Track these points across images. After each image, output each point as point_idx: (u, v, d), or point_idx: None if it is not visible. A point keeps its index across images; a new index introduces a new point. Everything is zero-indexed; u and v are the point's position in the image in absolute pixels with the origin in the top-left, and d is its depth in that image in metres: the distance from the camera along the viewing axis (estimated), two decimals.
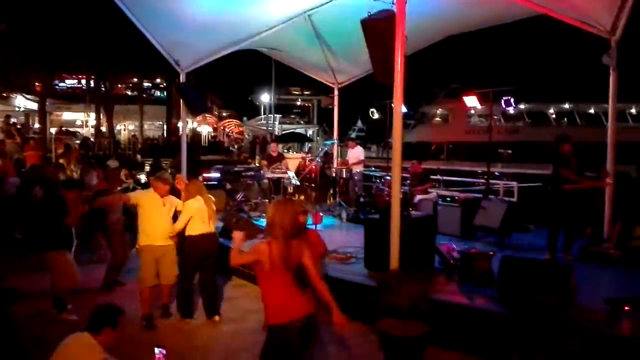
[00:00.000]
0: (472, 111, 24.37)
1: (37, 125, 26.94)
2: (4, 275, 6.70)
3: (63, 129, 24.27)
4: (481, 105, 10.20)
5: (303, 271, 3.42)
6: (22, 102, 26.39)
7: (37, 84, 27.21)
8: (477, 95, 9.49)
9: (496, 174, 10.65)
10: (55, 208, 5.73)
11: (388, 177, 9.71)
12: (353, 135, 25.09)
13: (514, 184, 10.24)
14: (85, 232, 7.29)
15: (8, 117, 19.37)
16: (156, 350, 2.23)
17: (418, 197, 9.04)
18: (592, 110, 26.77)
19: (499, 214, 7.64)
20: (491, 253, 5.87)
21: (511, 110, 19.14)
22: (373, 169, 11.73)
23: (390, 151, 13.75)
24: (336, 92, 11.70)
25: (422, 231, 6.24)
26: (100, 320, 3.06)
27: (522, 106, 25.11)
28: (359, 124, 30.01)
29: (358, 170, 10.87)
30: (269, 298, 3.38)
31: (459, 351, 4.92)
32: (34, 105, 26.77)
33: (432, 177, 10.30)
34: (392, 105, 5.52)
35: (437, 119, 28.92)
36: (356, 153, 11.19)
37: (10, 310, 5.35)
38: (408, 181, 9.41)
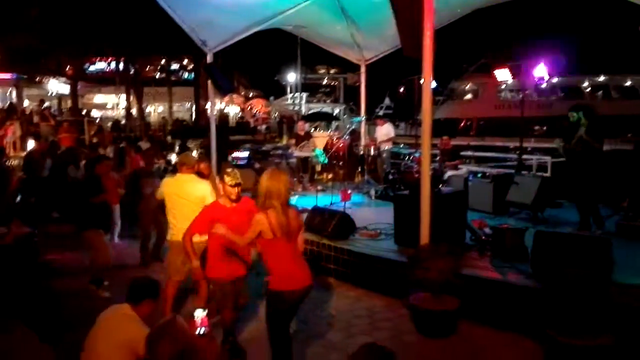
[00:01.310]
0: (503, 86, 23.74)
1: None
2: (43, 252, 6.97)
3: (83, 112, 24.79)
4: (513, 78, 9.93)
5: None
6: (55, 85, 26.95)
7: (68, 67, 27.73)
8: (509, 67, 9.23)
9: (529, 148, 10.40)
10: (92, 188, 5.88)
11: (417, 154, 9.60)
12: (380, 112, 24.82)
13: (548, 158, 9.99)
14: (129, 209, 7.45)
15: (42, 100, 19.85)
16: (196, 312, 2.26)
17: (448, 173, 8.93)
18: (628, 83, 25.75)
19: (532, 189, 7.48)
20: (524, 228, 5.78)
21: (544, 83, 18.59)
22: (402, 145, 11.62)
23: (418, 128, 13.59)
24: (363, 69, 11.54)
25: (453, 207, 6.18)
26: (140, 292, 3.16)
27: (554, 79, 24.34)
28: (387, 101, 29.67)
29: (386, 148, 10.78)
30: (275, 266, 3.55)
31: (491, 326, 4.90)
32: (66, 89, 27.34)
33: (462, 153, 10.15)
34: (421, 81, 5.43)
35: (467, 94, 28.32)
36: (385, 130, 11.08)
37: (50, 282, 5.59)
38: (438, 157, 9.29)
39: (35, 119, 17.49)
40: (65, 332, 4.52)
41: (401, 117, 26.79)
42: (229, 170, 4.22)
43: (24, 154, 12.95)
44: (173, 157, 16.67)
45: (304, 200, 8.80)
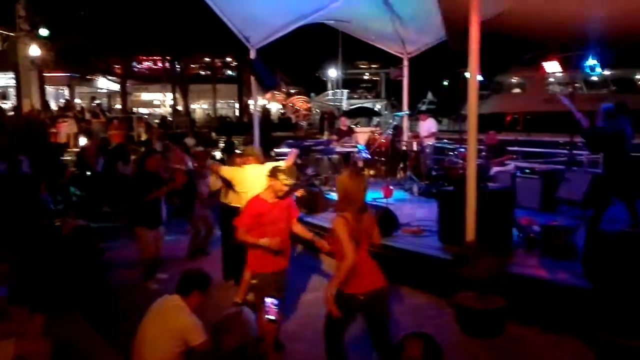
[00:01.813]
0: (551, 79, 22.92)
1: (118, 106, 28.57)
2: (97, 245, 7.26)
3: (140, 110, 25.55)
4: (562, 71, 9.57)
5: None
6: (105, 83, 27.99)
7: (117, 66, 28.73)
8: (559, 59, 8.90)
9: (579, 144, 10.00)
10: (141, 184, 6.06)
11: (462, 150, 9.42)
12: (423, 108, 24.50)
13: (600, 154, 9.59)
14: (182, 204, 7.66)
15: (93, 98, 20.64)
16: (267, 300, 2.33)
17: (494, 169, 8.72)
18: None
19: (583, 185, 7.21)
20: (574, 226, 5.59)
21: (595, 76, 17.84)
22: (445, 141, 11.42)
23: (462, 123, 13.32)
24: (405, 63, 11.42)
25: (499, 204, 6.04)
26: (190, 284, 3.26)
27: (606, 72, 23.30)
28: (429, 96, 29.22)
29: (430, 143, 10.63)
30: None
31: (539, 327, 4.76)
32: (116, 87, 28.35)
33: (509, 148, 9.89)
34: (466, 74, 5.32)
35: (514, 88, 27.52)
36: (428, 126, 10.92)
37: (103, 274, 5.82)
38: (483, 153, 9.09)
39: (87, 116, 18.18)
40: (119, 322, 4.72)
41: (444, 112, 26.32)
42: (285, 168, 4.24)
43: (77, 150, 13.51)
44: (217, 154, 17.06)
45: None
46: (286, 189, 4.08)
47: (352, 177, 3.47)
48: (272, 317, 2.27)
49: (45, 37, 16.30)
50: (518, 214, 6.52)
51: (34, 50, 15.99)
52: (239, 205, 5.88)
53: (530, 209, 7.51)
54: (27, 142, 10.65)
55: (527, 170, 8.44)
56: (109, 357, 3.99)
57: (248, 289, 4.62)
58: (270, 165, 5.07)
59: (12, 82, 19.05)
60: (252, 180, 5.23)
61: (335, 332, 3.52)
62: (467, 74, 5.29)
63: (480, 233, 5.18)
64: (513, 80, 27.42)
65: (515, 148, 11.33)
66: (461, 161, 8.97)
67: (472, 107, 5.22)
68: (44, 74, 18.33)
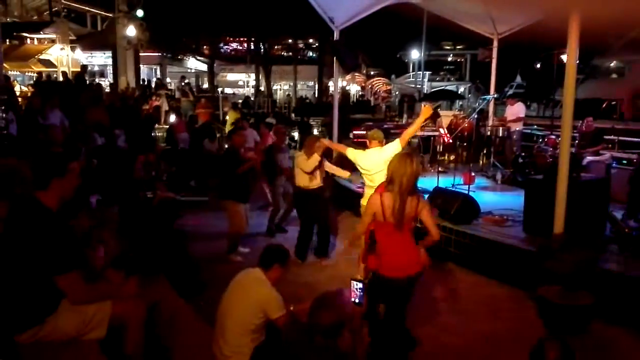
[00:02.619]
0: None
1: (206, 85, 29.75)
2: (183, 217, 7.68)
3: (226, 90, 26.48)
4: None
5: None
6: (194, 63, 29.19)
7: (205, 47, 29.86)
8: None
9: None
10: (229, 160, 6.29)
11: (552, 137, 8.90)
12: (510, 92, 23.32)
13: None
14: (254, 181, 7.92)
15: (183, 77, 21.54)
16: (353, 283, 2.38)
17: (588, 158, 8.18)
18: None
19: None
20: None
21: None
22: (535, 127, 10.82)
23: (554, 109, 12.55)
24: (495, 44, 10.91)
25: (592, 195, 5.68)
26: (271, 258, 3.37)
27: None
28: (518, 79, 27.74)
29: (517, 129, 10.14)
30: (381, 248, 3.52)
31: (629, 327, 4.46)
32: (203, 67, 29.50)
33: (605, 137, 9.22)
34: (562, 56, 4.99)
35: (612, 73, 25.51)
36: (515, 110, 10.41)
37: (188, 244, 6.15)
38: (576, 141, 8.54)
39: (177, 94, 19.08)
40: (203, 291, 4.98)
41: (534, 96, 24.90)
42: None
43: (167, 127, 14.25)
44: (295, 135, 17.34)
45: (424, 181, 8.63)
46: None
47: (400, 159, 3.49)
48: (358, 301, 2.32)
49: (141, 18, 17.21)
50: (613, 207, 6.09)
51: (131, 31, 16.94)
52: (314, 187, 6.02)
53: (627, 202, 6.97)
54: (122, 117, 11.37)
55: (624, 161, 7.83)
56: (193, 321, 4.25)
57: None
58: (391, 147, 5.24)
59: (110, 61, 20.36)
60: (373, 163, 5.28)
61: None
62: (564, 56, 4.97)
63: (570, 225, 4.90)
64: (611, 64, 25.43)
65: (612, 137, 10.54)
66: (551, 149, 8.49)
67: (569, 92, 4.91)
68: (139, 54, 19.41)
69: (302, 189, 6.22)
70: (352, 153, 5.61)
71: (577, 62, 5.11)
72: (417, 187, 3.54)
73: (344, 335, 2.39)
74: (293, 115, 23.37)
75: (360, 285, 2.39)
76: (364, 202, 5.16)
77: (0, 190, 3.60)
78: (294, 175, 6.39)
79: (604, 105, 23.93)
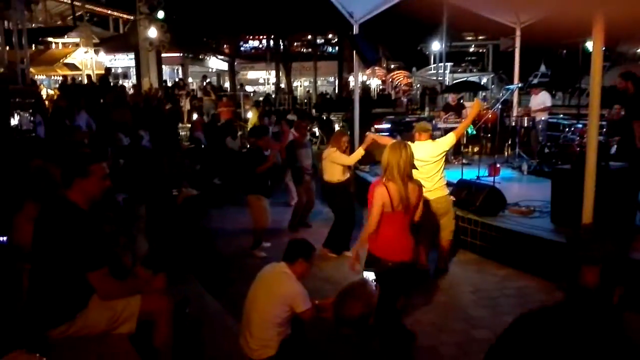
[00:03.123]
0: None
1: (227, 84, 29.98)
2: (208, 214, 7.77)
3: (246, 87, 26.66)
4: None
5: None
6: (215, 63, 29.43)
7: (226, 46, 30.08)
8: None
9: None
10: (253, 157, 6.34)
11: (579, 126, 8.72)
12: (535, 81, 22.89)
13: None
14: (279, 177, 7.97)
15: (204, 76, 21.75)
16: (365, 274, 2.37)
17: (617, 147, 7.98)
18: None
19: None
20: None
21: None
22: (561, 116, 10.61)
23: (580, 98, 12.28)
24: (518, 33, 10.71)
25: (621, 184, 5.53)
26: (295, 252, 3.39)
27: None
28: (542, 68, 27.22)
29: (542, 119, 9.94)
30: (382, 232, 3.55)
31: None
32: (224, 66, 29.72)
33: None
34: (587, 44, 4.88)
35: (638, 59, 24.83)
36: (540, 99, 10.20)
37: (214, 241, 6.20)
38: (605, 129, 8.33)
39: (199, 93, 19.28)
40: (229, 286, 5.04)
41: (559, 85, 24.40)
42: None
43: (189, 125, 14.41)
44: (316, 130, 17.34)
45: (448, 174, 8.53)
46: None
47: (392, 147, 3.57)
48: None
49: (162, 20, 17.41)
50: None
51: (152, 32, 17.15)
52: (344, 180, 6.11)
53: None
54: (146, 118, 11.53)
55: None
56: (220, 316, 4.30)
57: None
58: (446, 139, 5.44)
59: (133, 63, 20.67)
60: (428, 154, 5.33)
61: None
62: (589, 44, 4.86)
63: (599, 215, 4.79)
64: (638, 50, 24.76)
65: None
66: (578, 138, 8.31)
67: (596, 79, 4.79)
68: (161, 55, 19.65)
69: (332, 183, 6.25)
70: None
71: (603, 49, 4.99)
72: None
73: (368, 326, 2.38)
74: (314, 111, 23.37)
75: (373, 275, 2.39)
76: None
77: (30, 191, 3.70)
78: (323, 170, 6.41)
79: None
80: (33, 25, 19.76)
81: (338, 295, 2.39)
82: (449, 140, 5.44)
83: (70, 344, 2.80)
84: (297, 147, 7.33)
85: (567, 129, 9.26)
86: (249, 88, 32.00)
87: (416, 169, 3.73)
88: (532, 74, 26.32)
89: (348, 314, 2.33)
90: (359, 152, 6.05)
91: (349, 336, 2.33)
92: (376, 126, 13.27)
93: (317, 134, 17.30)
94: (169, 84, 21.31)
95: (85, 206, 2.86)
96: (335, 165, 6.17)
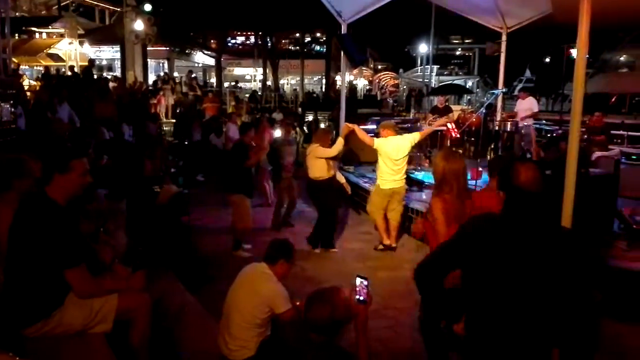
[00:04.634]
0: None
1: (213, 80, 29.78)
2: (190, 211, 7.70)
3: (232, 83, 26.50)
4: None
5: None
6: (201, 58, 29.20)
7: (212, 41, 29.85)
8: None
9: None
10: (238, 155, 6.28)
11: (560, 131, 8.84)
12: (520, 86, 23.14)
13: None
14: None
15: (190, 71, 21.55)
16: (357, 280, 2.33)
17: (597, 153, 8.11)
18: None
19: None
20: None
21: None
22: (543, 122, 10.75)
23: (563, 104, 12.43)
24: (504, 38, 10.82)
25: (600, 191, 5.62)
26: (276, 253, 3.37)
27: None
28: (527, 73, 27.52)
29: (526, 124, 10.05)
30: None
31: (637, 324, 4.43)
32: (211, 61, 29.50)
33: (613, 132, 9.14)
34: (572, 51, 4.94)
35: (621, 67, 25.23)
36: (527, 105, 10.29)
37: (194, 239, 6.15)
38: (585, 136, 8.46)
39: (184, 89, 19.11)
40: (209, 284, 5.01)
41: (544, 90, 24.72)
42: None
43: (173, 121, 14.29)
44: (305, 129, 17.29)
45: (430, 177, 8.59)
46: None
47: (447, 158, 3.35)
48: (362, 298, 2.25)
49: (148, 12, 17.23)
50: (621, 203, 6.04)
51: (139, 25, 16.97)
52: (328, 177, 6.30)
53: (636, 198, 6.91)
54: (129, 112, 11.40)
55: (634, 157, 7.76)
56: (200, 315, 4.27)
57: None
58: (409, 137, 6.33)
59: (118, 55, 20.41)
60: (400, 148, 6.17)
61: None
62: (573, 50, 4.92)
63: (577, 221, 4.86)
64: (621, 58, 25.18)
65: (621, 132, 10.46)
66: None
67: (578, 86, 4.84)
68: (147, 48, 19.44)
69: (317, 180, 6.34)
70: (377, 142, 6.26)
71: (587, 56, 5.05)
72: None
73: (344, 334, 2.33)
74: (300, 109, 23.32)
75: (365, 282, 2.35)
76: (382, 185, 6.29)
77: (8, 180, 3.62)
78: (307, 167, 6.43)
79: (613, 99, 23.71)
80: (17, 14, 19.39)
81: (307, 299, 2.35)
82: (415, 137, 6.35)
83: (45, 342, 2.76)
84: (282, 144, 7.32)
85: (549, 135, 9.38)
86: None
87: None
88: (517, 79, 26.60)
89: (314, 318, 2.28)
90: (339, 141, 6.35)
91: (322, 342, 2.29)
92: (362, 127, 13.29)
93: (305, 130, 17.28)
94: (154, 78, 21.08)
95: (64, 202, 2.82)
96: (320, 161, 6.25)
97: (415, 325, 3.95)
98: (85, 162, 2.91)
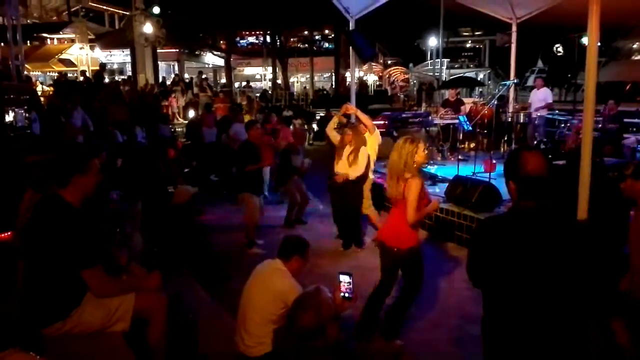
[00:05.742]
0: None
1: (223, 80, 29.90)
2: (204, 211, 7.77)
3: (243, 83, 26.59)
4: None
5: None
6: (211, 59, 29.33)
7: (222, 41, 29.96)
8: None
9: None
10: (244, 154, 6.32)
11: (574, 121, 8.73)
12: (532, 77, 22.91)
13: None
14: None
15: (200, 72, 21.67)
16: (341, 277, 2.31)
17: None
18: None
19: None
20: None
21: None
22: (556, 112, 10.61)
23: (576, 94, 12.28)
24: (514, 28, 10.71)
25: (616, 180, 5.54)
26: (290, 249, 3.39)
27: None
28: (539, 64, 27.22)
29: (539, 115, 9.93)
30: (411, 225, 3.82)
31: None
32: (221, 62, 29.62)
33: (627, 120, 9.01)
34: (583, 39, 4.88)
35: (635, 54, 24.86)
36: (542, 95, 10.15)
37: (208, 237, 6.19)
38: (600, 125, 8.35)
39: (195, 89, 19.21)
40: (225, 281, 5.04)
41: (556, 80, 24.42)
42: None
43: (185, 122, 14.37)
44: (314, 127, 17.33)
45: (444, 170, 8.55)
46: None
47: (395, 145, 3.88)
48: (348, 295, 2.24)
49: (157, 15, 17.33)
50: None
51: (148, 28, 17.07)
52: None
53: None
54: (141, 114, 11.49)
55: None
56: (215, 312, 4.30)
57: None
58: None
59: (129, 59, 20.57)
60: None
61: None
62: (584, 39, 4.86)
63: (594, 211, 4.81)
64: (635, 45, 24.79)
65: (636, 120, 10.30)
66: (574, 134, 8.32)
67: (591, 75, 4.80)
68: (157, 51, 19.56)
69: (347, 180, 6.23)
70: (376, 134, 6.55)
71: (599, 44, 4.99)
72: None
73: (327, 334, 2.30)
74: (310, 107, 23.34)
75: (348, 278, 2.32)
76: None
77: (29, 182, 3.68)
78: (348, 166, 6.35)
79: (627, 87, 23.35)
80: (28, 21, 19.66)
81: (291, 307, 2.34)
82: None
83: (64, 341, 2.80)
84: (292, 154, 7.45)
85: (562, 125, 9.28)
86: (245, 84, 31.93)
87: None
88: (529, 70, 26.31)
89: (301, 326, 2.26)
90: (334, 120, 6.75)
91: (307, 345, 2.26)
92: (373, 122, 13.25)
93: (315, 129, 17.31)
94: (167, 81, 21.24)
95: (79, 204, 2.85)
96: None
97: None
98: (99, 160, 3.00)
